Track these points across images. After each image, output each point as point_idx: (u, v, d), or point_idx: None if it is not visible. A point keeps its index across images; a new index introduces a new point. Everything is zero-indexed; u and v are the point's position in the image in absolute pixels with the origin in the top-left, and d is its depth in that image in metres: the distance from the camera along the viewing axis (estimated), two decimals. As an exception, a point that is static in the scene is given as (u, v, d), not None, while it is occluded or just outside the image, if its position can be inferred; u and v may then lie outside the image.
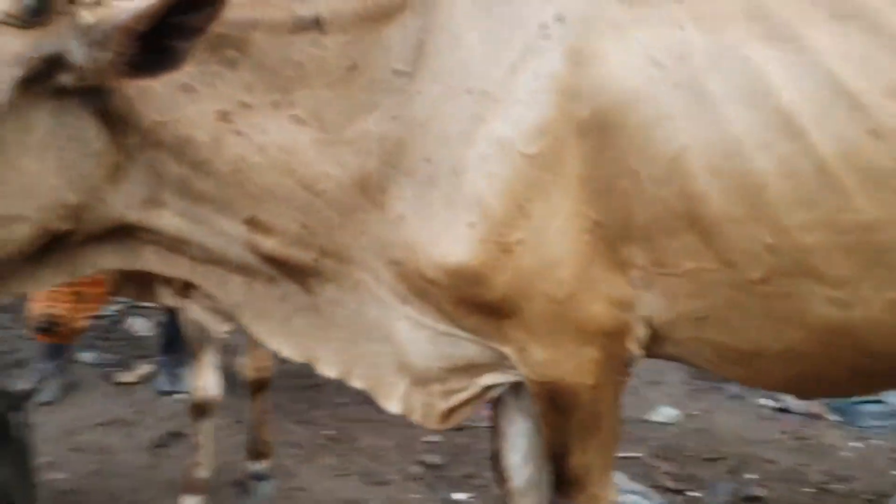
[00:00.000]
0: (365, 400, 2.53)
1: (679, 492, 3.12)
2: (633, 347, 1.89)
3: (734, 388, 4.03)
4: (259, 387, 3.09)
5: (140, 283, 2.68)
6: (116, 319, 4.76)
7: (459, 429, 3.56)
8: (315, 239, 1.86)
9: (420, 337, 1.95)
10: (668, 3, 1.74)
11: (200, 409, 2.95)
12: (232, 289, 1.98)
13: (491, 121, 1.69)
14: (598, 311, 1.81)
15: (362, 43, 1.75)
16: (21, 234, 1.64)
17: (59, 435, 3.57)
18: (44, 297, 2.54)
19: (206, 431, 2.98)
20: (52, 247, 1.73)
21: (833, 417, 3.95)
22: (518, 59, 1.69)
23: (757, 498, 3.12)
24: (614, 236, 1.75)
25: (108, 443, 3.53)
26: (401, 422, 3.46)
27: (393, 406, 2.13)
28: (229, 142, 1.74)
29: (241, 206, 1.80)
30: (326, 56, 1.74)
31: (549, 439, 2.06)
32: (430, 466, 3.32)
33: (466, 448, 3.46)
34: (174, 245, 1.86)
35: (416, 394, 2.12)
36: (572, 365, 1.87)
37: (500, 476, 2.29)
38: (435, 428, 2.17)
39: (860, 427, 3.84)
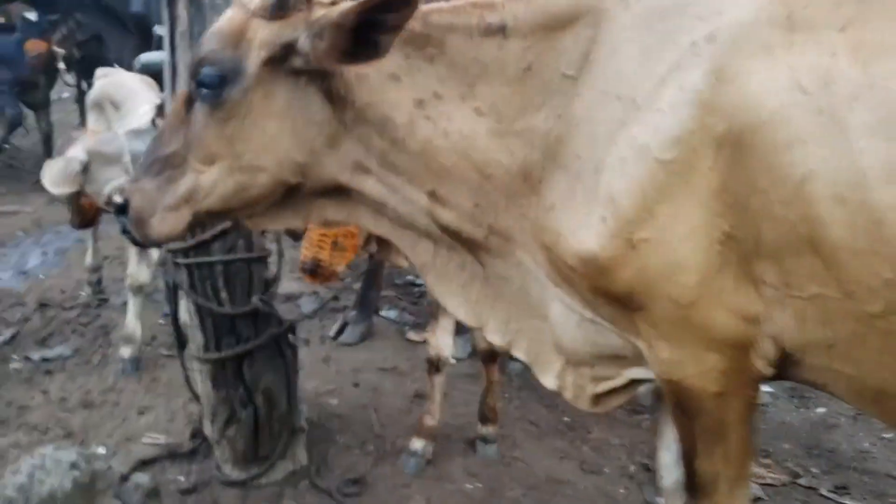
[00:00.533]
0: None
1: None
2: (760, 364, 1.89)
3: None
4: (489, 357, 3.41)
5: (381, 242, 3.16)
6: (425, 290, 5.39)
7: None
8: (484, 217, 2.13)
9: (570, 320, 2.13)
10: (830, 30, 1.71)
11: (434, 366, 3.36)
12: (420, 251, 2.32)
13: (633, 126, 1.82)
14: (721, 320, 1.85)
15: (538, 48, 1.97)
16: (262, 181, 2.10)
17: (346, 371, 4.23)
18: (311, 245, 3.10)
19: (438, 385, 3.39)
20: (289, 196, 2.20)
21: None
22: (666, 73, 1.80)
23: None
24: (747, 251, 1.78)
25: (382, 385, 4.10)
26: (632, 422, 3.61)
27: (548, 381, 2.34)
28: (421, 125, 2.07)
29: (425, 179, 2.12)
30: (507, 58, 1.99)
31: (679, 440, 2.12)
32: (646, 468, 3.38)
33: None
34: (377, 207, 2.25)
35: (569, 374, 2.30)
36: (696, 369, 1.92)
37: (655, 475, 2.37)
38: (585, 409, 2.34)
39: None
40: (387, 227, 2.33)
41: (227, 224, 2.98)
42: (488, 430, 3.47)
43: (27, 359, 4.39)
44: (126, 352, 4.22)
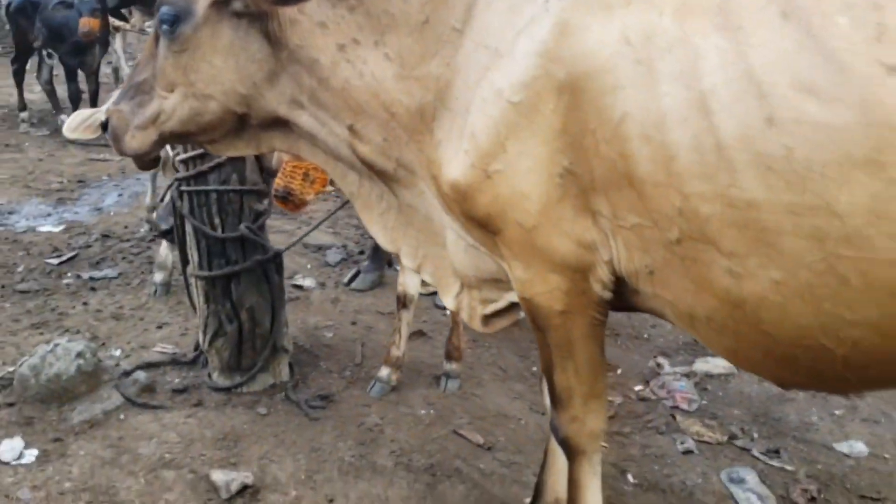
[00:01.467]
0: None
1: (806, 515, 3.02)
2: (598, 287, 2.15)
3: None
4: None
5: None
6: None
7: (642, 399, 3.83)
8: (392, 151, 2.46)
9: (458, 246, 2.44)
10: None
11: (401, 302, 3.70)
12: (349, 181, 2.68)
13: (494, 72, 2.11)
14: (561, 244, 2.12)
15: (434, 3, 2.28)
16: (213, 108, 2.48)
17: (348, 311, 4.63)
18: (284, 175, 3.47)
19: (404, 319, 3.73)
20: (242, 126, 2.58)
21: None
22: (523, 26, 2.08)
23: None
24: (584, 185, 2.05)
25: (376, 325, 4.47)
26: None
27: (448, 302, 2.66)
28: (342, 66, 2.41)
29: (345, 115, 2.46)
30: (410, 11, 2.31)
31: (540, 355, 2.40)
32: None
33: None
34: (312, 139, 2.60)
35: (465, 296, 2.61)
36: (542, 288, 2.20)
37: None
38: (479, 329, 2.64)
39: None
40: (321, 157, 2.68)
41: (221, 157, 3.41)
42: (452, 366, 3.79)
43: (78, 276, 4.99)
44: (158, 277, 4.75)
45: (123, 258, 5.35)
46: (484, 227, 2.24)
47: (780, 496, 3.13)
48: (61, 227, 5.98)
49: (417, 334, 4.34)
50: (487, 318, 2.60)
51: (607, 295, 2.18)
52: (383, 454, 3.28)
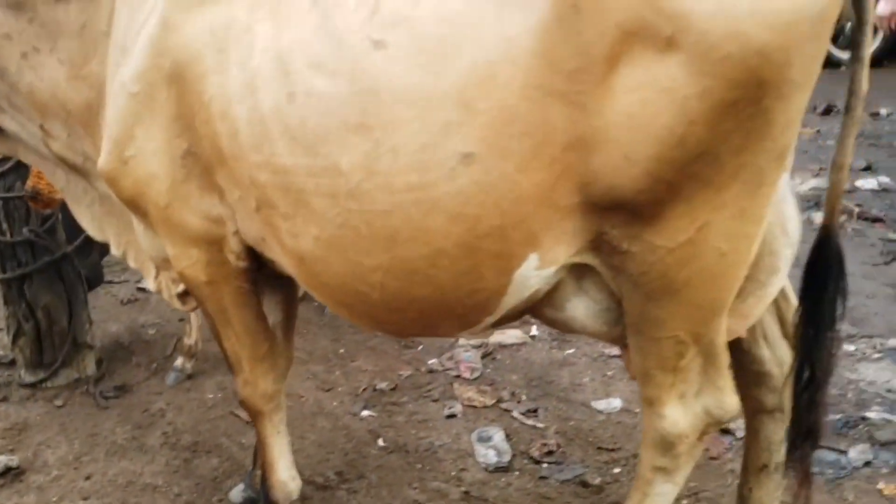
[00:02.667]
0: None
1: (538, 462, 3.23)
2: (233, 258, 2.38)
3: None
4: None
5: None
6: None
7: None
8: (76, 145, 2.69)
9: (139, 228, 2.66)
10: None
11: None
12: (57, 178, 2.90)
13: (122, 67, 2.34)
14: (192, 220, 2.35)
15: (89, 10, 2.52)
16: None
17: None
18: (32, 175, 3.67)
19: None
20: None
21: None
22: (141, 24, 2.32)
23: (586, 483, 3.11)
24: (206, 164, 2.28)
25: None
26: (397, 354, 4.05)
27: (151, 285, 2.87)
28: (26, 72, 2.64)
29: (35, 116, 2.70)
30: (71, 18, 2.55)
31: (208, 324, 2.62)
32: (379, 391, 3.85)
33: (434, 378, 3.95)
34: (22, 142, 2.83)
35: (162, 277, 2.82)
36: (187, 262, 2.43)
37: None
38: (179, 308, 2.86)
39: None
40: (33, 157, 2.91)
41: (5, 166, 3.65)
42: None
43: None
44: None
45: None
46: (135, 210, 2.46)
47: (520, 451, 3.33)
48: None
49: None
50: (182, 297, 2.82)
51: (242, 265, 2.40)
52: (155, 435, 3.50)
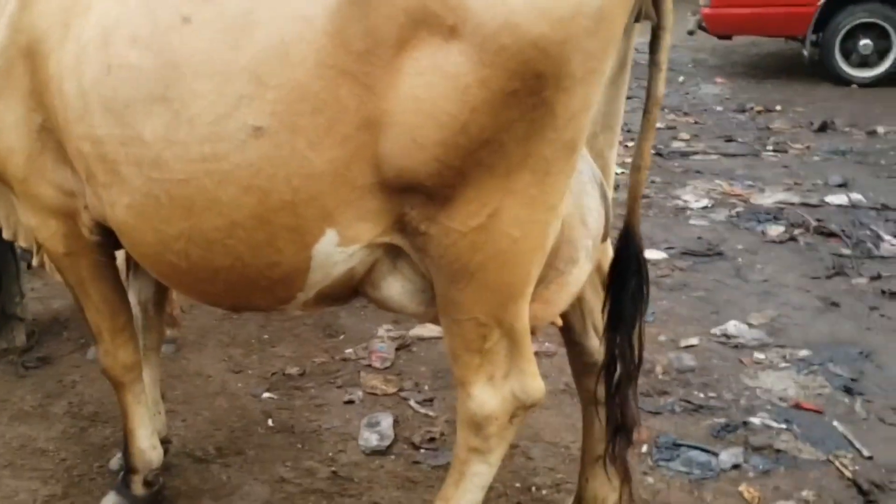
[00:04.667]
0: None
1: (417, 448, 3.32)
2: (86, 231, 2.49)
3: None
4: None
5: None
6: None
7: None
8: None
9: (17, 205, 2.77)
10: None
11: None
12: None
13: None
14: (48, 192, 2.48)
15: None
16: None
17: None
18: None
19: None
20: None
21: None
22: (6, 3, 2.44)
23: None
24: (60, 138, 2.40)
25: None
26: (321, 343, 4.15)
27: (34, 260, 2.99)
28: None
29: None
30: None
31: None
32: (287, 376, 3.97)
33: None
34: None
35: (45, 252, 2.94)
36: (46, 233, 2.56)
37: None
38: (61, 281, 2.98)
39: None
40: None
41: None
42: (168, 332, 4.14)
43: None
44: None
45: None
46: (3, 182, 2.59)
47: (404, 437, 3.41)
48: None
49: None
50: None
51: (95, 238, 2.51)
52: (61, 405, 3.64)
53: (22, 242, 3.03)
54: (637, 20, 2.05)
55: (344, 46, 1.89)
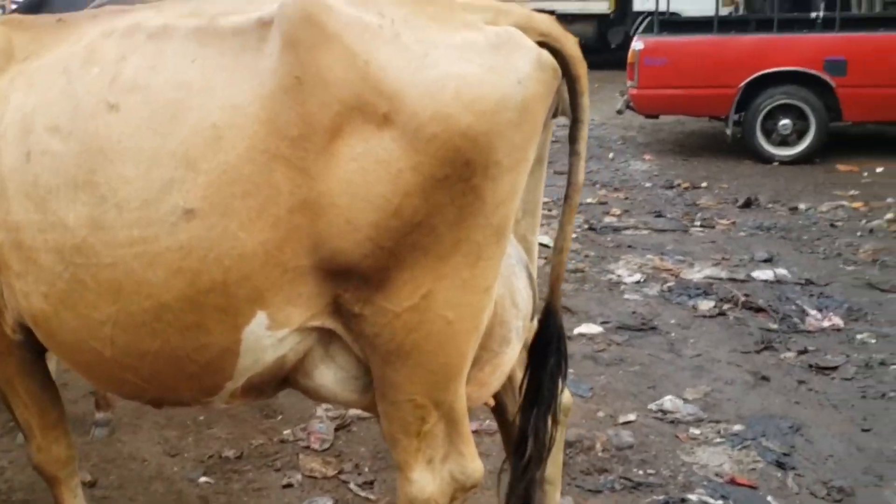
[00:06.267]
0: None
1: None
2: (9, 330, 2.42)
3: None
4: None
5: None
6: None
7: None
8: None
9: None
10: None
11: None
12: None
13: None
14: (-30, 293, 2.40)
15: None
16: None
17: None
18: None
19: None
20: None
21: None
22: None
23: None
24: None
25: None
26: (262, 425, 4.07)
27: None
28: None
29: None
30: None
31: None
32: (224, 459, 3.89)
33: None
34: None
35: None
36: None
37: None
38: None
39: None
40: None
41: None
42: (100, 415, 4.04)
43: None
44: None
45: None
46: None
47: (346, 524, 3.38)
48: None
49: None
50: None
51: (18, 338, 2.42)
52: (-14, 490, 3.51)
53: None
54: (555, 116, 2.16)
55: (277, 132, 1.94)
